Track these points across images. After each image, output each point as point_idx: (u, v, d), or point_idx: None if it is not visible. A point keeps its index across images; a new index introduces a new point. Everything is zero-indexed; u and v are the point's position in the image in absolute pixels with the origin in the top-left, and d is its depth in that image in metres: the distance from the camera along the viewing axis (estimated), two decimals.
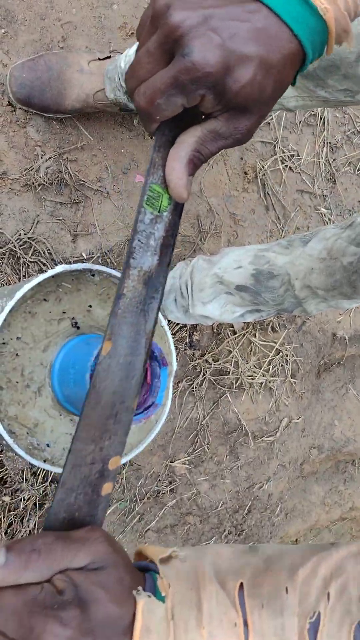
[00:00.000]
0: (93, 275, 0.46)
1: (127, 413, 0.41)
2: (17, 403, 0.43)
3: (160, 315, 0.49)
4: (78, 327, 0.46)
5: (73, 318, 0.46)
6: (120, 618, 0.35)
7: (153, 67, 0.41)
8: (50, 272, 0.44)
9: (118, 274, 0.47)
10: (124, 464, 1.38)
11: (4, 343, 0.43)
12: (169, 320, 1.22)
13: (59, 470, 0.43)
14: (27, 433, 0.43)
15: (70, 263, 1.17)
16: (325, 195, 1.51)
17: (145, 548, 0.44)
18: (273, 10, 0.40)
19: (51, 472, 1.29)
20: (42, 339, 0.45)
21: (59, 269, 0.44)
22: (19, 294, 0.42)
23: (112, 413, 0.40)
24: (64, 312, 0.45)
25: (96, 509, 0.41)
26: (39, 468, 1.28)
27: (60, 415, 0.45)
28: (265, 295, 0.99)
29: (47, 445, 0.44)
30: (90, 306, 0.46)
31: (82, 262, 1.14)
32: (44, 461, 0.43)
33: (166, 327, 0.48)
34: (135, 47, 1.01)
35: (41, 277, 0.44)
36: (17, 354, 0.44)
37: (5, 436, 0.42)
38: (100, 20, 1.17)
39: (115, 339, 0.41)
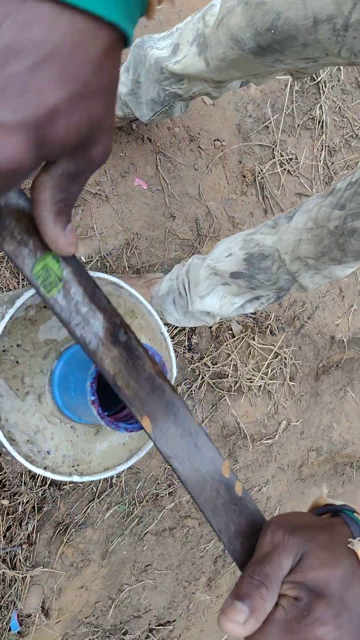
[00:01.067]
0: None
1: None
2: (17, 410, 0.43)
3: (159, 320, 0.49)
4: None
5: None
6: (353, 574, 0.37)
7: None
8: None
9: (117, 281, 0.47)
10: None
11: (4, 350, 0.43)
12: (168, 324, 1.22)
13: (59, 478, 0.43)
14: (28, 440, 0.43)
15: None
16: None
17: (320, 499, 0.46)
18: (70, 3, 0.28)
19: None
20: (42, 346, 0.45)
21: None
22: (19, 302, 0.42)
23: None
24: None
25: (247, 508, 0.43)
26: None
27: (61, 422, 0.45)
28: (260, 277, 0.98)
29: (48, 452, 0.44)
30: None
31: None
32: (44, 468, 0.43)
33: (166, 334, 0.49)
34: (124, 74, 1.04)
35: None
36: (17, 362, 0.44)
37: (6, 444, 0.42)
38: None
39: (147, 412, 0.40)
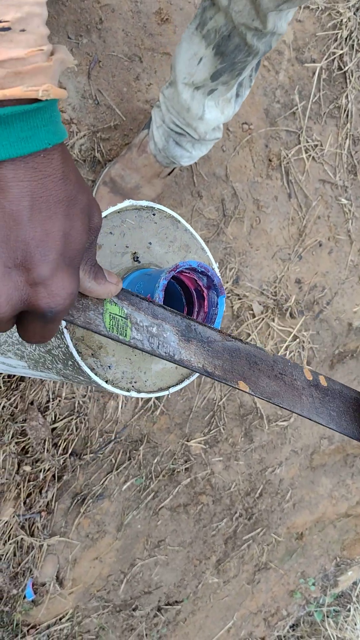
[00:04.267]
0: (154, 214, 0.49)
1: None
2: None
3: (211, 257, 0.52)
4: (139, 261, 0.49)
5: (135, 252, 0.49)
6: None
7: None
8: (117, 206, 0.47)
9: (175, 215, 0.50)
10: (140, 441, 1.41)
11: None
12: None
13: (118, 392, 0.46)
14: (92, 354, 0.46)
15: None
16: (346, 187, 1.54)
17: None
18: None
19: (71, 444, 1.33)
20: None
21: (126, 203, 0.47)
22: None
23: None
24: (126, 247, 0.49)
25: (335, 392, 0.49)
26: (60, 439, 1.31)
27: None
28: (239, 58, 0.91)
29: (109, 367, 0.47)
30: (150, 243, 0.49)
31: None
32: (106, 381, 0.46)
33: (217, 269, 0.52)
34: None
35: (108, 210, 0.47)
36: None
37: (74, 352, 0.45)
38: (136, 4, 1.21)
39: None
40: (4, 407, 1.24)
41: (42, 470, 1.32)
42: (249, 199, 1.40)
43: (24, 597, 1.46)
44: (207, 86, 0.94)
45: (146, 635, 1.65)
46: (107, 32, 1.18)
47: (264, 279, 1.43)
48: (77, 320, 0.41)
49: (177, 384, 0.50)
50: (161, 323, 0.43)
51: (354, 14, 1.51)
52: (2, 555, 1.37)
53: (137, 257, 0.49)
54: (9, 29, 0.32)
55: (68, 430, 1.31)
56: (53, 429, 1.30)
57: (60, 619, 1.53)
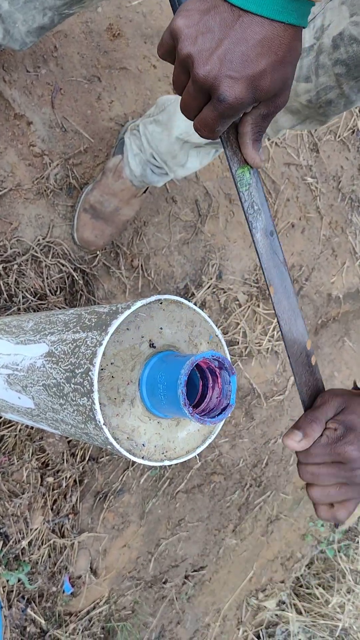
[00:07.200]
0: (161, 303, 0.56)
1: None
2: (116, 415, 0.54)
3: (214, 326, 0.59)
4: (154, 347, 0.56)
5: (150, 340, 0.56)
6: None
7: (199, 105, 0.54)
8: (132, 309, 0.54)
9: (182, 300, 0.57)
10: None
11: (102, 369, 0.53)
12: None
13: (154, 464, 0.54)
14: (127, 438, 0.54)
15: (85, 261, 1.26)
16: (310, 165, 1.60)
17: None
18: (262, 15, 0.48)
19: (88, 452, 1.42)
20: (129, 361, 0.55)
21: (138, 304, 0.54)
22: (111, 329, 0.52)
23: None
24: (142, 337, 0.55)
25: (315, 374, 0.64)
26: (77, 449, 1.40)
27: (150, 419, 0.55)
28: None
29: (143, 445, 0.55)
30: (161, 328, 0.56)
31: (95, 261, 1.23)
32: (142, 458, 0.54)
33: (220, 336, 0.59)
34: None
35: (125, 313, 0.53)
36: (112, 377, 0.54)
37: (113, 442, 0.53)
38: (87, 24, 1.23)
39: (273, 282, 0.61)
40: (20, 429, 1.31)
41: (65, 479, 1.41)
42: (220, 195, 1.45)
43: (63, 591, 1.58)
44: (201, 146, 1.01)
45: (176, 599, 1.79)
46: (63, 59, 1.20)
47: (245, 268, 1.50)
48: (227, 150, 0.58)
49: (201, 444, 0.58)
50: (264, 204, 0.61)
51: None
52: (38, 559, 1.48)
53: (153, 344, 0.56)
54: None
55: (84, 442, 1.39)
56: (69, 442, 1.38)
57: (98, 603, 1.66)
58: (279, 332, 1.59)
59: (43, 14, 0.89)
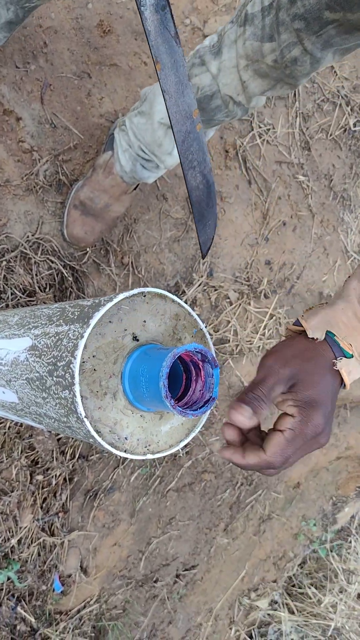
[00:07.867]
0: (145, 295, 0.56)
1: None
2: (98, 408, 0.53)
3: (198, 319, 0.59)
4: (137, 340, 0.56)
5: (133, 333, 0.55)
6: (334, 386, 0.57)
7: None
8: (114, 301, 0.53)
9: (165, 293, 0.56)
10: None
11: (84, 362, 0.53)
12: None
13: (137, 457, 0.54)
14: (110, 431, 0.53)
15: (75, 258, 1.25)
16: (302, 163, 1.60)
17: (302, 321, 0.62)
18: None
19: (78, 449, 1.41)
20: (112, 354, 0.54)
21: (120, 296, 0.53)
22: (93, 322, 0.52)
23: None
24: (125, 330, 0.55)
25: (201, 144, 0.71)
26: (67, 447, 1.39)
27: (132, 413, 0.55)
28: (218, 117, 0.98)
29: (125, 438, 0.54)
30: (144, 321, 0.56)
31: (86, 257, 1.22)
32: (125, 451, 0.53)
33: (204, 329, 0.58)
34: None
35: (107, 306, 0.53)
36: (94, 369, 0.54)
37: (95, 435, 0.52)
38: (77, 21, 1.22)
39: (160, 58, 0.63)
40: (9, 427, 1.31)
41: (54, 477, 1.40)
42: None
43: (53, 590, 1.57)
44: None
45: (167, 598, 1.79)
46: (53, 55, 1.19)
47: (236, 266, 1.50)
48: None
49: (185, 437, 0.58)
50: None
51: None
52: (28, 557, 1.47)
53: (136, 337, 0.55)
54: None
55: (73, 438, 1.38)
56: (58, 439, 1.38)
57: (89, 602, 1.65)
58: (269, 332, 1.59)
59: (6, 8, 0.91)
